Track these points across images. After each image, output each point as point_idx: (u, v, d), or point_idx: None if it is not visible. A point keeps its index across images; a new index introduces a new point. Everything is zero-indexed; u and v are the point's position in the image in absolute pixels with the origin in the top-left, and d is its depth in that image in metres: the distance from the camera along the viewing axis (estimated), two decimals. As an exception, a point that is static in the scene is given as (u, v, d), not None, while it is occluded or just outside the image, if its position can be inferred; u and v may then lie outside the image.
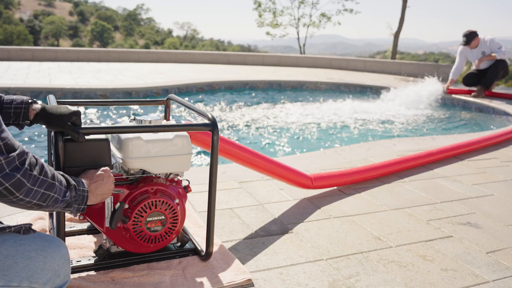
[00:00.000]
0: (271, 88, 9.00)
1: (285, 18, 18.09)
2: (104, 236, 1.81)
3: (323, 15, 18.04)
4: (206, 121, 1.75)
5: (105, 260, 1.78)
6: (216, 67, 11.41)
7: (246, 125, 5.87)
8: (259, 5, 18.05)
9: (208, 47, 77.14)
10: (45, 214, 2.17)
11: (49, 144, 2.01)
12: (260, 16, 18.15)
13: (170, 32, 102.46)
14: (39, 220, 2.13)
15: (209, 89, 8.30)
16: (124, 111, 6.39)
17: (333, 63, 12.64)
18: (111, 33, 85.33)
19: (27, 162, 1.12)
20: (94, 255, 1.82)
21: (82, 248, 1.90)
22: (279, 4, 25.94)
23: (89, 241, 1.98)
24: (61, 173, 1.30)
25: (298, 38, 18.22)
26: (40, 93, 6.63)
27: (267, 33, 18.65)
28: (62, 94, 6.69)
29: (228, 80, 8.65)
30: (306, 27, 18.29)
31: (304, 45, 18.00)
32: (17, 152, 1.10)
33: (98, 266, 1.75)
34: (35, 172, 1.14)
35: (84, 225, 2.08)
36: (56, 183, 1.22)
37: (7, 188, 1.08)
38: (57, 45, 71.22)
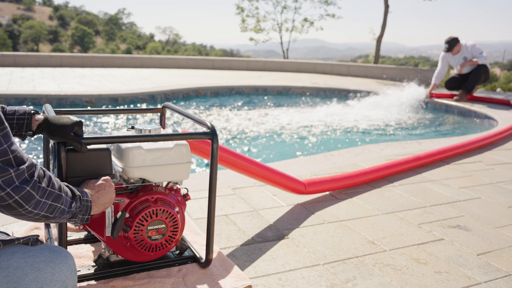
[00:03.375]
0: (256, 93, 9.03)
1: (268, 23, 18.11)
2: (103, 245, 1.81)
3: (305, 20, 18.17)
4: (205, 130, 1.77)
5: (105, 269, 1.78)
6: (200, 72, 11.40)
7: (234, 131, 5.88)
8: (242, 10, 18.09)
9: (191, 51, 76.87)
10: (41, 224, 2.16)
11: (45, 154, 2.01)
12: (243, 21, 18.19)
13: (152, 36, 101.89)
14: (35, 229, 2.12)
15: (195, 95, 8.29)
16: (101, 115, 6.35)
17: (317, 67, 12.75)
18: (92, 38, 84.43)
19: (36, 174, 1.12)
20: (93, 264, 1.82)
21: (80, 257, 1.90)
22: (262, 9, 26.13)
23: (87, 250, 1.98)
24: (66, 184, 1.31)
25: (281, 43, 18.32)
26: (24, 99, 6.54)
27: (251, 39, 18.70)
28: (47, 100, 6.61)
29: (214, 86, 8.66)
30: (289, 32, 18.40)
31: (287, 49, 18.11)
32: (26, 164, 1.10)
33: (98, 275, 1.75)
34: (43, 184, 1.15)
35: (81, 234, 2.07)
36: (63, 194, 1.22)
37: (17, 201, 1.08)
38: (37, 50, 70.22)
